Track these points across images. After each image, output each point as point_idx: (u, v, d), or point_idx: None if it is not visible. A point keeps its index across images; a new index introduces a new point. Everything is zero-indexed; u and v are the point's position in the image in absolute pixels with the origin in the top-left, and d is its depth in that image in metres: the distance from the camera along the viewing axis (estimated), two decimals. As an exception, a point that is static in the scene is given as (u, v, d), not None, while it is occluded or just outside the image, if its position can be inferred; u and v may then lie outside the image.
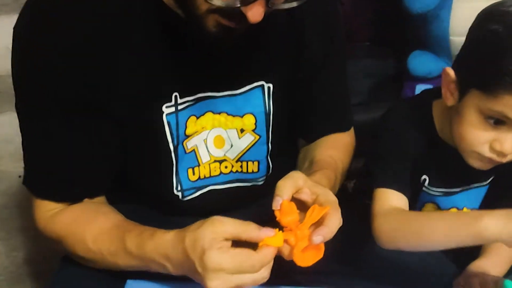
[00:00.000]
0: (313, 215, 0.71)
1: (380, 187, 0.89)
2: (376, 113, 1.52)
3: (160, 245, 0.74)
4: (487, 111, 0.78)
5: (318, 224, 0.71)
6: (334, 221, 0.71)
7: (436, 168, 0.94)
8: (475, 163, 0.84)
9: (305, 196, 0.74)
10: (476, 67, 0.80)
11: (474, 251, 0.93)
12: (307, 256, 0.71)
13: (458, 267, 0.93)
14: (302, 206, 0.74)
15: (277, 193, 0.72)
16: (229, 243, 0.69)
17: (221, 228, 0.69)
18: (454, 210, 0.98)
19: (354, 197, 1.04)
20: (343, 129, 1.01)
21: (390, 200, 0.87)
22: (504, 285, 0.68)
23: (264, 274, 0.70)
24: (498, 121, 0.78)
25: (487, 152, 0.81)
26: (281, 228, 0.72)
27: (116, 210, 0.87)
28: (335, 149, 0.97)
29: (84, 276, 0.84)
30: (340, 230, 0.72)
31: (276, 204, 0.71)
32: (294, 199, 0.74)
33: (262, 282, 0.70)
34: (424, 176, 0.94)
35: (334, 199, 0.74)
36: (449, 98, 0.85)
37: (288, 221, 0.72)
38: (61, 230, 0.83)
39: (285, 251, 0.71)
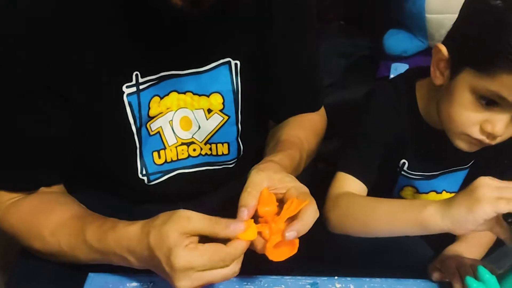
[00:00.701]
0: (290, 208, 0.69)
1: (341, 170, 0.87)
2: (350, 93, 1.52)
3: (122, 237, 0.70)
4: (481, 91, 0.74)
5: (294, 217, 0.68)
6: (309, 215, 0.69)
7: (416, 152, 0.91)
8: (463, 145, 0.81)
9: (276, 191, 0.72)
10: (472, 44, 0.76)
11: (451, 236, 0.89)
12: (280, 251, 0.68)
13: (435, 251, 0.91)
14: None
15: (242, 204, 0.69)
16: (196, 238, 0.67)
17: (187, 225, 0.66)
18: (433, 194, 0.97)
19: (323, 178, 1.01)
20: (311, 109, 0.99)
21: (347, 186, 0.85)
22: (477, 270, 0.66)
23: (235, 268, 0.67)
24: (490, 102, 0.75)
25: (477, 134, 0.77)
26: (256, 218, 0.69)
27: (75, 200, 0.84)
28: (302, 128, 0.94)
29: (43, 270, 0.80)
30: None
31: (242, 215, 0.68)
32: None
33: (232, 277, 0.67)
34: (403, 160, 0.92)
35: (306, 191, 0.72)
36: (438, 77, 0.81)
37: (265, 211, 0.69)
38: (17, 222, 0.79)
39: (258, 245, 0.69)
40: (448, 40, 0.82)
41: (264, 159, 0.81)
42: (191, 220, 0.66)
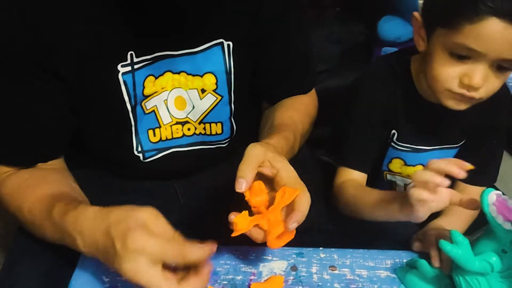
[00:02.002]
0: (284, 197, 0.70)
1: (341, 165, 0.94)
2: (344, 79, 1.53)
3: (79, 216, 0.70)
4: (451, 46, 0.80)
5: (290, 207, 0.70)
6: (304, 204, 0.70)
7: (407, 124, 0.95)
8: (450, 103, 0.85)
9: (266, 170, 0.73)
10: (438, 5, 0.84)
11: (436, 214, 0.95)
12: (280, 239, 0.70)
13: (419, 226, 0.93)
14: (263, 179, 0.73)
15: (240, 175, 0.69)
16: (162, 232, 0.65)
17: (156, 221, 0.65)
18: (420, 167, 1.00)
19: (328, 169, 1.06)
20: (303, 89, 1.01)
21: (348, 176, 0.93)
22: (451, 233, 0.70)
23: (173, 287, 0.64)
24: (462, 56, 0.80)
25: (457, 88, 0.82)
26: (249, 208, 0.71)
27: (69, 178, 0.85)
28: (296, 110, 0.96)
29: (41, 245, 0.81)
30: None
31: (240, 186, 0.68)
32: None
33: None
34: (393, 131, 0.96)
35: (294, 174, 0.73)
36: (421, 43, 0.87)
37: (257, 201, 0.71)
38: (6, 194, 0.81)
39: (258, 237, 0.70)
40: (422, 8, 0.89)
41: (262, 141, 0.83)
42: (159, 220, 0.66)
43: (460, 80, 0.81)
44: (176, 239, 0.65)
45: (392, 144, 0.98)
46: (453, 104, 0.85)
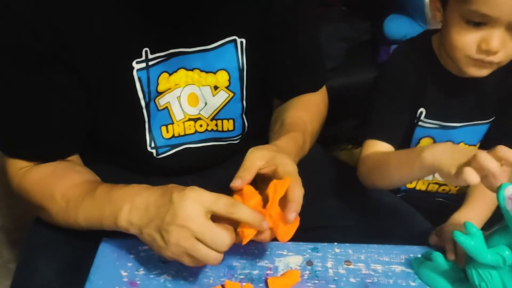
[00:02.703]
0: (277, 191, 0.72)
1: (369, 138, 0.94)
2: (350, 77, 1.55)
3: (132, 187, 0.74)
4: (465, 13, 0.83)
5: (285, 198, 0.72)
6: (298, 193, 0.72)
7: (435, 99, 0.97)
8: (471, 70, 0.88)
9: (266, 170, 0.75)
10: None
11: (444, 211, 0.96)
12: (287, 230, 0.72)
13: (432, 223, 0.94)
14: (264, 178, 0.76)
15: (237, 176, 0.74)
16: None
17: (211, 199, 0.69)
18: (449, 143, 1.01)
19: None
20: (314, 86, 1.01)
21: (376, 149, 0.92)
22: (465, 225, 0.70)
23: (219, 255, 0.68)
24: (477, 23, 0.83)
25: (475, 54, 0.85)
26: None
27: (91, 171, 0.87)
28: (306, 110, 0.97)
29: (57, 237, 0.83)
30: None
31: (237, 183, 0.73)
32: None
33: (208, 263, 0.69)
34: (421, 109, 0.98)
35: (293, 169, 0.75)
36: (437, 15, 0.91)
37: (252, 205, 0.72)
38: (31, 185, 0.82)
39: (266, 237, 0.72)
40: None
41: (269, 143, 0.85)
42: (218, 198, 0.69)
43: (478, 46, 0.84)
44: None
45: (420, 123, 0.99)
46: (474, 71, 0.87)
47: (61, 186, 0.80)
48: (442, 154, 0.74)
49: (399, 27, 1.55)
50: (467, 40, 0.84)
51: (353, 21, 1.67)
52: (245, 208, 0.69)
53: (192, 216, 0.67)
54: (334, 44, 1.59)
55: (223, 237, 0.67)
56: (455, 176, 0.69)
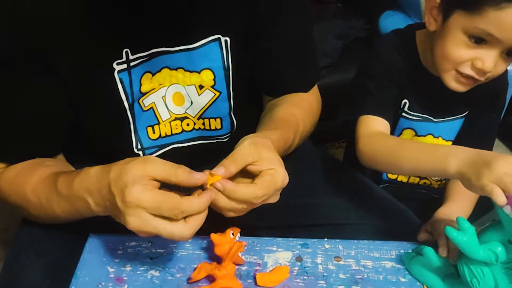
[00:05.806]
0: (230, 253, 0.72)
1: (364, 114, 0.92)
2: (345, 74, 1.54)
3: (85, 178, 0.71)
4: (472, 29, 0.81)
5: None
6: (252, 195, 0.70)
7: (417, 93, 0.97)
8: (454, 85, 0.88)
9: (251, 168, 0.72)
10: None
11: (434, 205, 0.96)
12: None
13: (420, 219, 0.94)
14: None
15: (222, 164, 0.70)
16: (157, 184, 0.66)
17: (150, 166, 0.66)
18: (430, 137, 1.02)
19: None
20: (305, 84, 0.99)
21: (374, 125, 0.91)
22: (457, 221, 0.69)
23: (183, 229, 0.65)
24: (479, 40, 0.82)
25: (468, 70, 0.84)
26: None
27: (64, 163, 0.86)
28: (299, 108, 0.95)
29: (45, 235, 0.83)
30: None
31: (219, 170, 0.69)
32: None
33: (179, 240, 0.67)
34: (404, 100, 0.98)
35: (275, 159, 0.73)
36: (432, 23, 0.89)
37: (221, 251, 0.73)
38: (5, 185, 0.81)
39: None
40: None
41: (263, 133, 0.83)
42: (155, 163, 0.66)
43: (473, 63, 0.83)
44: (179, 171, 0.66)
45: (404, 114, 0.99)
46: (454, 86, 0.87)
47: (30, 182, 0.78)
48: (469, 166, 0.70)
49: (394, 23, 1.54)
50: (462, 54, 0.83)
51: (349, 18, 1.66)
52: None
53: (142, 221, 0.64)
54: (330, 41, 1.59)
55: (175, 200, 0.64)
56: (481, 192, 0.67)
